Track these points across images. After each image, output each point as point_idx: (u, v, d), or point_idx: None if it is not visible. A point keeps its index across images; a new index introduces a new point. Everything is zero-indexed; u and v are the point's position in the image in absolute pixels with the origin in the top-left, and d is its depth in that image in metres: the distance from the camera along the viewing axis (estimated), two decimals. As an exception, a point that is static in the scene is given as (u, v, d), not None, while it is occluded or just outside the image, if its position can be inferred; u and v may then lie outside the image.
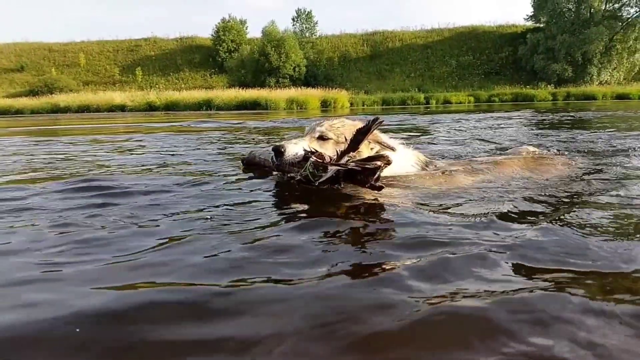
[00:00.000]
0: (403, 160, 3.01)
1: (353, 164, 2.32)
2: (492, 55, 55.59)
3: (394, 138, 3.20)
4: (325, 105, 34.74)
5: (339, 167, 2.34)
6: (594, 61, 48.48)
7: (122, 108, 34.74)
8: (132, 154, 5.33)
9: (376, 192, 2.32)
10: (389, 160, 2.27)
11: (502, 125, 9.26)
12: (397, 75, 54.28)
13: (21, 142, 7.21)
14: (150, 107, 34.47)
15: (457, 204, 2.31)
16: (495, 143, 5.55)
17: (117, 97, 37.23)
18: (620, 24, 48.88)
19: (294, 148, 2.70)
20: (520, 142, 5.44)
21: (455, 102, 38.87)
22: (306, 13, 60.60)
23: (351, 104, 37.29)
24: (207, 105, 33.47)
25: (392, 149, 2.83)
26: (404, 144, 3.21)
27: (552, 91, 41.66)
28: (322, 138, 2.85)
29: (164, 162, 4.32)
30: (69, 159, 4.75)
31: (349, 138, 2.70)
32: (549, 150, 4.28)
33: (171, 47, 61.89)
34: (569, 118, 11.37)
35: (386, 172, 2.75)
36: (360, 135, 2.46)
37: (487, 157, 3.79)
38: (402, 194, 2.55)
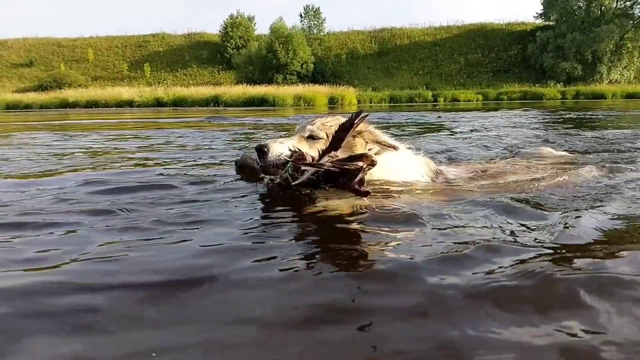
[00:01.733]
0: (409, 166, 2.76)
1: (330, 164, 2.07)
2: (501, 53, 55.30)
3: (401, 142, 2.92)
4: (332, 102, 34.73)
5: (315, 168, 2.12)
6: (604, 60, 48.14)
7: (130, 104, 34.90)
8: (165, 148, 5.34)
9: (363, 198, 2.06)
10: (372, 161, 2.00)
11: (522, 124, 9.18)
12: (405, 72, 54.12)
13: (55, 138, 7.21)
14: (158, 103, 34.60)
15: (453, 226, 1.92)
16: (515, 144, 5.35)
17: (125, 92, 37.39)
18: (631, 22, 48.46)
19: (279, 148, 2.47)
20: (542, 141, 5.38)
21: (464, 100, 38.71)
22: (314, 10, 60.56)
23: (358, 101, 37.24)
24: (214, 102, 33.55)
25: (394, 147, 2.60)
26: (411, 148, 2.94)
27: (561, 90, 41.38)
28: (312, 137, 2.61)
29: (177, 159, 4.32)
30: (106, 152, 4.78)
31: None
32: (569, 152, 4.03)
33: (179, 43, 62.08)
34: (588, 117, 11.27)
35: (394, 176, 2.62)
36: (342, 132, 2.21)
37: (501, 163, 3.32)
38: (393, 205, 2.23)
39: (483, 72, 53.13)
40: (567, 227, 1.80)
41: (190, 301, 1.27)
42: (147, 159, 4.39)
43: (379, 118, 12.84)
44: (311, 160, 2.20)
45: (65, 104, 36.11)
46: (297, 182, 2.18)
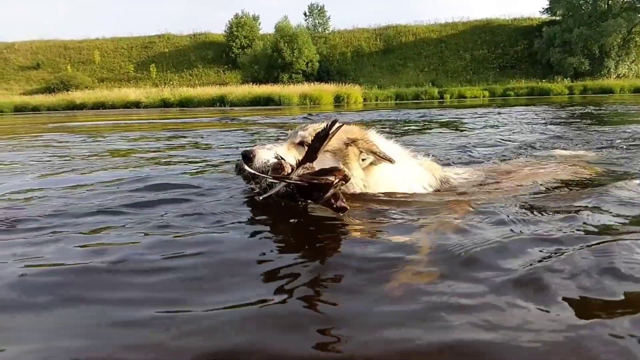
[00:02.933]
0: (409, 177, 2.54)
1: (297, 178, 1.94)
2: (507, 49, 55.00)
3: (403, 147, 2.73)
4: (338, 101, 34.68)
5: (284, 181, 1.99)
6: (612, 54, 47.76)
7: (136, 105, 35.08)
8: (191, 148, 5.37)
9: (340, 214, 1.93)
10: (345, 176, 1.86)
11: (535, 121, 9.12)
12: (411, 69, 53.96)
13: (78, 139, 7.32)
14: (165, 104, 34.74)
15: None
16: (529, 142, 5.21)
17: (132, 93, 37.59)
18: (639, 15, 47.96)
19: (266, 154, 2.30)
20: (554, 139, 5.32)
21: (470, 96, 38.57)
22: (319, 8, 60.49)
23: (364, 99, 37.19)
24: (220, 102, 33.62)
25: (390, 160, 2.36)
26: (415, 154, 2.74)
27: (568, 85, 41.09)
28: (303, 144, 2.41)
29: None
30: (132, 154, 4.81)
31: (336, 145, 2.37)
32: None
33: (184, 43, 62.25)
34: (604, 112, 11.19)
35: (386, 188, 2.43)
36: (317, 143, 2.07)
37: (514, 167, 3.02)
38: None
39: (489, 69, 52.86)
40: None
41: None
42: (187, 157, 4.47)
43: (389, 116, 12.82)
44: (290, 171, 2.06)
45: (72, 106, 36.37)
46: (267, 194, 2.07)
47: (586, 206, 2.11)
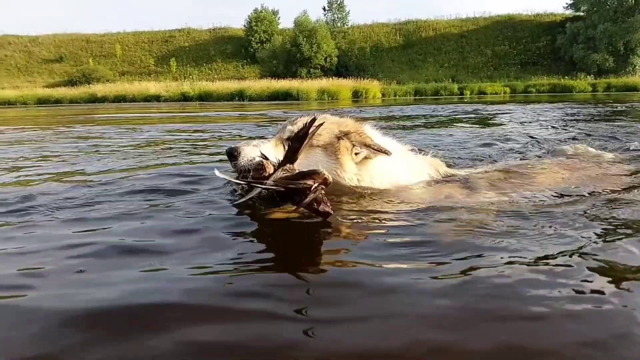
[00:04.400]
0: (406, 170, 2.40)
1: (272, 182, 1.84)
2: (529, 45, 54.12)
3: (400, 142, 2.59)
4: (356, 96, 34.54)
5: (257, 186, 1.89)
6: (637, 51, 46.68)
7: (157, 98, 35.39)
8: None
9: (324, 219, 1.84)
10: (325, 179, 1.74)
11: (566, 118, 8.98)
12: (431, 65, 53.48)
13: (120, 132, 7.50)
14: (184, 98, 34.99)
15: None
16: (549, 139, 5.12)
17: (152, 87, 37.98)
18: (667, 11, 46.78)
19: (252, 152, 2.18)
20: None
21: (491, 92, 38.08)
22: (338, 3, 60.20)
23: (383, 95, 36.98)
24: (239, 96, 33.75)
25: (386, 152, 2.23)
26: (414, 148, 2.60)
27: (591, 82, 40.23)
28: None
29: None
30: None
31: (327, 139, 2.27)
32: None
33: (204, 37, 62.60)
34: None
35: (385, 183, 2.31)
36: (296, 143, 1.96)
37: (528, 164, 2.81)
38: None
39: (511, 65, 52.08)
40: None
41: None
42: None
43: (411, 111, 12.73)
44: (272, 171, 1.96)
45: (94, 99, 36.88)
46: (245, 198, 1.96)
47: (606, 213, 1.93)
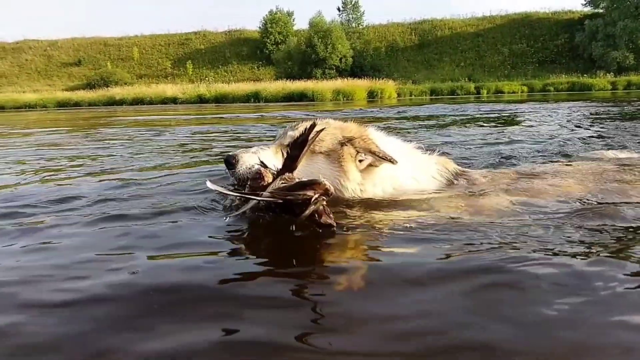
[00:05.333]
0: (415, 171, 2.29)
1: (268, 194, 1.72)
2: (547, 43, 53.47)
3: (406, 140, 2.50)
4: (372, 96, 34.45)
5: (253, 199, 1.77)
6: (659, 48, 45.84)
7: (174, 100, 35.72)
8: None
9: (326, 230, 1.71)
10: (326, 189, 1.62)
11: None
12: (447, 64, 53.14)
13: (152, 133, 7.69)
14: (201, 100, 35.25)
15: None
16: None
17: (169, 89, 38.34)
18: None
19: (250, 159, 2.06)
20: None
21: (508, 91, 37.69)
22: (353, 3, 60.13)
23: (398, 95, 36.84)
24: (254, 98, 33.88)
25: (391, 161, 2.11)
26: (421, 148, 2.46)
27: (611, 80, 39.55)
28: None
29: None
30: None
31: (331, 145, 2.16)
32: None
33: (220, 40, 63.07)
34: None
35: (389, 188, 2.21)
36: (295, 150, 1.84)
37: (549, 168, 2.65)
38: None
39: (528, 63, 51.53)
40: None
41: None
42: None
43: (442, 109, 12.65)
44: (270, 180, 1.84)
45: (112, 102, 37.36)
46: (240, 210, 1.85)
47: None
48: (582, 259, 1.45)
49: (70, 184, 2.99)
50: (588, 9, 53.31)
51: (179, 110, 21.21)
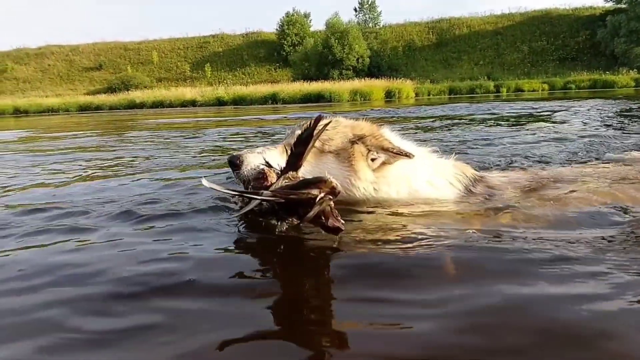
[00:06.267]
0: (432, 174, 2.17)
1: (269, 193, 1.58)
2: (568, 40, 52.59)
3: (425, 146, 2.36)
4: (389, 96, 34.31)
5: (253, 198, 1.65)
6: (685, 43, 44.70)
7: (193, 103, 36.09)
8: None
9: (333, 235, 1.58)
10: (333, 188, 1.47)
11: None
12: (465, 63, 52.65)
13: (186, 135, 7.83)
14: (219, 102, 35.54)
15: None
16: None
17: (188, 92, 38.74)
18: None
19: (256, 159, 1.99)
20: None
21: (528, 89, 37.19)
22: (369, 3, 60.02)
23: (416, 94, 36.62)
24: (272, 99, 34.04)
25: (408, 155, 2.01)
26: (437, 151, 2.35)
27: (634, 77, 38.63)
28: None
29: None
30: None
31: (340, 144, 2.08)
32: None
33: (238, 42, 63.53)
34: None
35: (404, 191, 2.10)
36: (300, 147, 1.73)
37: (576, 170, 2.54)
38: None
39: (548, 61, 50.72)
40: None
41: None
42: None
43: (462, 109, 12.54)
44: (275, 180, 1.75)
45: (133, 105, 37.93)
46: (242, 211, 1.77)
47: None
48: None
49: (122, 184, 3.12)
50: (610, 5, 52.24)
51: (199, 113, 21.40)
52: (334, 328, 1.16)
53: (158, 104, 37.21)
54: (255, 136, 7.19)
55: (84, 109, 37.82)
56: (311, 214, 1.46)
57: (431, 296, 1.26)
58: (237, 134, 7.82)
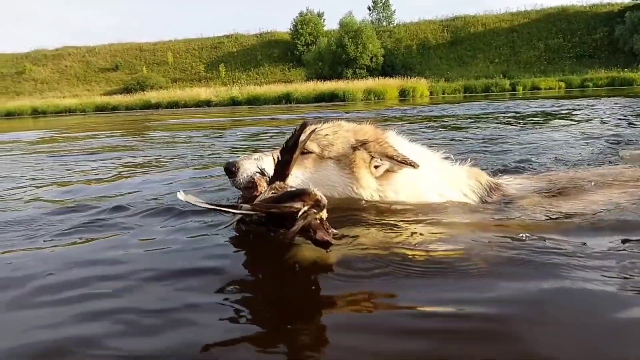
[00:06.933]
0: (441, 182, 2.05)
1: (248, 207, 1.49)
2: (585, 37, 51.83)
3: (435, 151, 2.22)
4: (403, 95, 34.20)
5: (228, 211, 1.59)
6: None
7: (207, 103, 36.33)
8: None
9: (322, 249, 1.45)
10: (317, 201, 1.36)
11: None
12: (480, 61, 52.19)
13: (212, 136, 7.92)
14: (234, 102, 35.73)
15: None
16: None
17: (203, 93, 39.00)
18: None
19: (252, 167, 1.89)
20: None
21: (544, 88, 36.74)
22: (383, 2, 59.81)
23: (431, 93, 36.46)
24: (286, 99, 34.11)
25: (412, 165, 1.90)
26: (449, 157, 2.19)
27: (654, 74, 38.04)
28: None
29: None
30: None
31: (341, 149, 1.98)
32: None
33: (251, 42, 63.78)
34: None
35: (413, 200, 1.98)
36: (286, 155, 1.64)
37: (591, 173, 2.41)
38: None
39: (565, 58, 50.04)
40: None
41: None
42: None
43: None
44: (265, 189, 1.67)
45: (148, 105, 38.31)
46: (227, 224, 1.74)
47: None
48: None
49: (156, 180, 3.23)
50: (629, 1, 51.43)
51: (214, 113, 21.56)
52: (331, 328, 1.15)
53: (173, 105, 37.53)
54: (270, 137, 7.26)
55: (100, 109, 38.27)
56: (294, 228, 1.35)
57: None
58: (254, 134, 7.89)
